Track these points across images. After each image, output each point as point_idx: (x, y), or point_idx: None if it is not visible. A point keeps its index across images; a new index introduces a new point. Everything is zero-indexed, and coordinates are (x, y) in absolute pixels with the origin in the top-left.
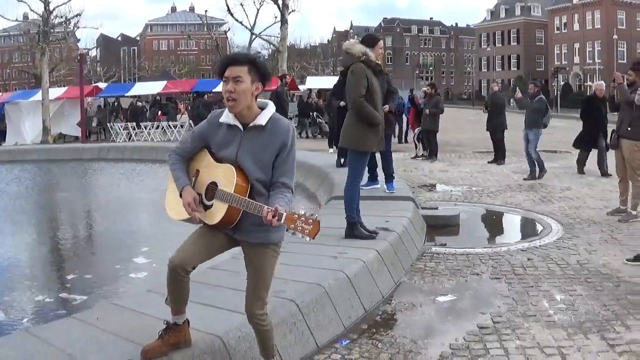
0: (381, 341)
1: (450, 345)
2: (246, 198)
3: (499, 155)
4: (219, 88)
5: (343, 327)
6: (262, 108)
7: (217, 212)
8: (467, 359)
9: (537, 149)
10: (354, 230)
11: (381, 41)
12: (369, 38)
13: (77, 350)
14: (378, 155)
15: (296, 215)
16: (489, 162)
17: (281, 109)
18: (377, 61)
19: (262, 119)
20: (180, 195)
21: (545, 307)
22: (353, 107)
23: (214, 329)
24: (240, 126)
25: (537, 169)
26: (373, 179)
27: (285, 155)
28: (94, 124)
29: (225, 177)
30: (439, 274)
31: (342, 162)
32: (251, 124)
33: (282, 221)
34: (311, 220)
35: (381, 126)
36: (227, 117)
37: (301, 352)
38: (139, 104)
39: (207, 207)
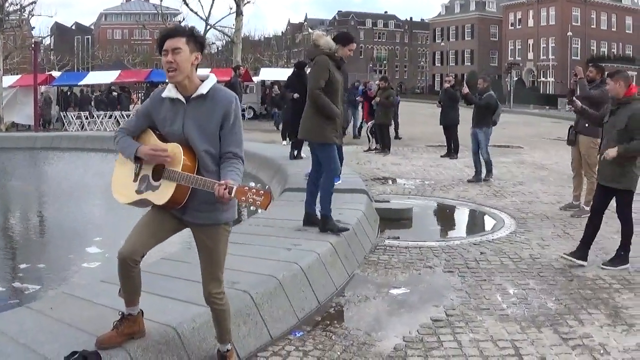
0: (335, 333)
1: (404, 338)
2: (195, 175)
3: (452, 149)
4: None
5: (297, 318)
6: (203, 80)
7: (165, 191)
8: (421, 351)
9: (487, 149)
10: (327, 224)
11: (354, 44)
12: (343, 37)
13: (31, 339)
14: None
15: (247, 188)
16: (441, 156)
17: None
18: (343, 59)
19: (204, 88)
20: (136, 160)
21: (498, 300)
22: (310, 98)
23: (168, 320)
24: (182, 99)
25: (484, 171)
26: None
27: (231, 125)
28: (53, 112)
29: (172, 155)
30: (392, 266)
31: (295, 154)
32: (193, 95)
33: (233, 194)
34: (262, 192)
35: (339, 120)
36: (169, 91)
37: (255, 343)
38: (112, 93)
39: (155, 188)
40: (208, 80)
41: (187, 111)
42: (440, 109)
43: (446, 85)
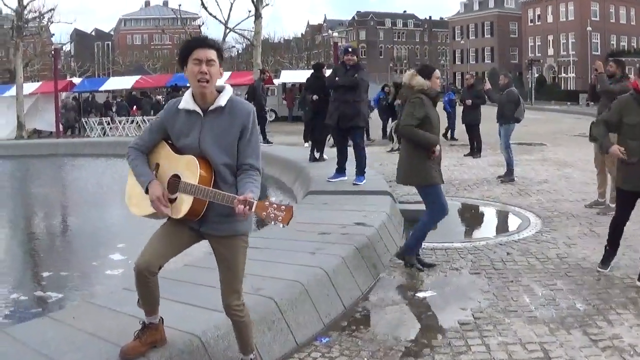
0: (361, 338)
1: (431, 342)
2: (212, 189)
3: (475, 148)
4: None
5: (322, 324)
6: (219, 91)
7: (182, 205)
8: (449, 356)
9: (508, 147)
10: (408, 255)
11: (437, 71)
12: (424, 70)
13: (53, 350)
14: (350, 149)
15: (267, 203)
16: (465, 155)
17: (258, 103)
18: (437, 90)
19: (222, 100)
20: (147, 191)
21: (526, 302)
22: (403, 135)
23: (192, 328)
24: (200, 111)
25: (505, 170)
26: (341, 171)
27: (248, 137)
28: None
29: (188, 168)
30: (418, 269)
31: (317, 157)
32: (211, 107)
33: (253, 210)
34: (283, 207)
35: (440, 155)
36: (186, 103)
37: (280, 350)
38: (124, 99)
39: (171, 201)
40: (225, 91)
41: (204, 124)
42: (462, 107)
43: (471, 81)
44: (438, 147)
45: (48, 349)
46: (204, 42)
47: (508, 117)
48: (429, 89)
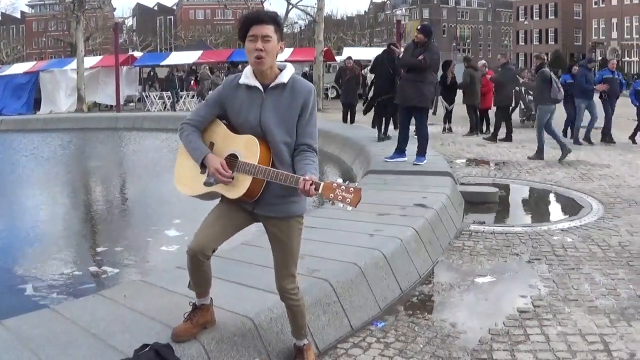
0: (418, 324)
1: (489, 330)
2: (273, 169)
3: (496, 130)
4: None
5: (379, 308)
6: (280, 69)
7: (240, 185)
8: (507, 345)
9: (542, 129)
10: None
11: None
12: None
13: (102, 329)
14: (412, 129)
15: (335, 184)
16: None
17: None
18: None
19: (284, 77)
20: (202, 166)
21: (586, 291)
22: None
23: (245, 310)
24: (260, 87)
25: (537, 149)
26: (400, 152)
27: (308, 116)
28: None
29: (247, 147)
30: (477, 253)
31: (382, 136)
32: (273, 84)
33: (320, 191)
34: (352, 189)
35: None
36: (246, 78)
37: (335, 334)
38: (178, 74)
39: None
40: (287, 69)
41: (265, 100)
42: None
43: (503, 60)
44: None
45: (97, 328)
46: (259, 18)
47: (545, 98)
48: None
